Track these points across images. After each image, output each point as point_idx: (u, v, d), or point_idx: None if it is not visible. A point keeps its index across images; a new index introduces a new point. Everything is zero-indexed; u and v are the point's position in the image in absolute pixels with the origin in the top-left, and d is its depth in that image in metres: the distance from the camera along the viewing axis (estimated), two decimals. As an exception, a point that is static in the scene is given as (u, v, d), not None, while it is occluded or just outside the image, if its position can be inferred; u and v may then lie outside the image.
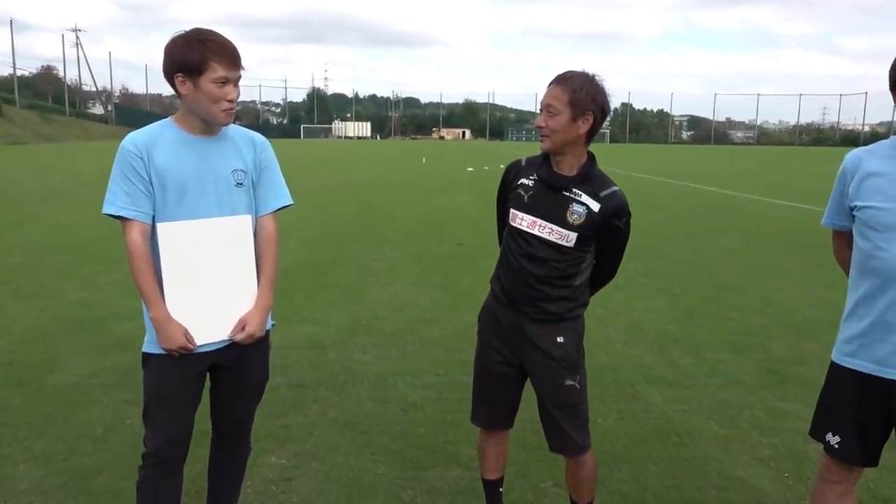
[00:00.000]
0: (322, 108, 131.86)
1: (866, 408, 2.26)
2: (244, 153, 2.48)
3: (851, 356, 2.28)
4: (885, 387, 2.20)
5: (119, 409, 4.04)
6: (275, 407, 4.13)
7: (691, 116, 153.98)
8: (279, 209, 2.58)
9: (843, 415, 2.31)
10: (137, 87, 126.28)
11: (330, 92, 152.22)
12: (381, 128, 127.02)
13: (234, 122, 2.51)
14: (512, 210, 2.63)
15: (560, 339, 2.60)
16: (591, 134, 2.52)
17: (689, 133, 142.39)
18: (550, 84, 2.49)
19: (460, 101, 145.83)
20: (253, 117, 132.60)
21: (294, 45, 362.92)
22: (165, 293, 2.35)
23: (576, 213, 2.50)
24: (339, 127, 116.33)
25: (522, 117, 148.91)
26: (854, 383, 2.27)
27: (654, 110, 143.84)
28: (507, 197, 2.68)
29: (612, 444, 3.75)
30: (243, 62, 2.35)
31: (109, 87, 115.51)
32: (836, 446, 2.32)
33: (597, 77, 2.50)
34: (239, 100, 2.41)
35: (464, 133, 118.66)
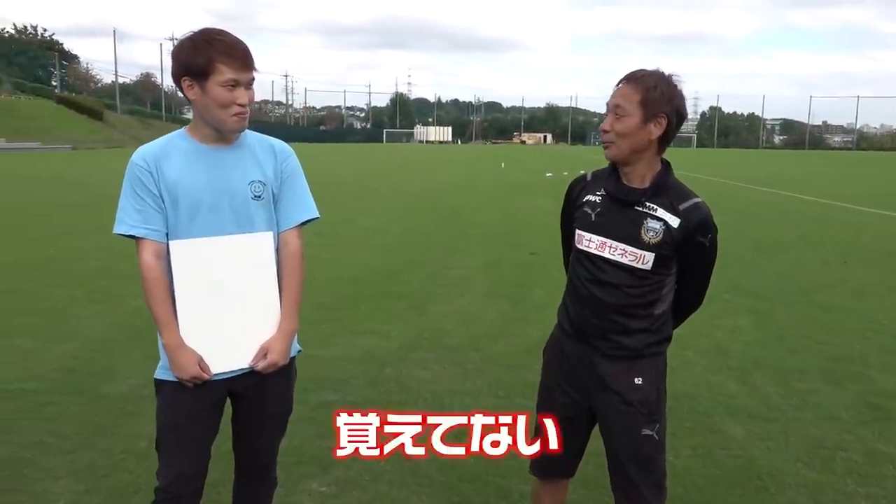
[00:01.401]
0: (404, 112, 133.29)
1: None
2: (263, 163, 2.27)
3: None
4: None
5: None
6: (324, 426, 3.94)
7: (784, 120, 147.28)
8: (304, 223, 2.36)
9: None
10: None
11: (413, 97, 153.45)
12: (462, 132, 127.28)
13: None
14: (578, 231, 2.31)
15: (638, 381, 2.26)
16: (665, 140, 2.18)
17: (781, 137, 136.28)
18: (619, 83, 2.18)
19: (542, 104, 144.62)
20: (337, 122, 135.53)
21: (378, 50, 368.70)
22: (179, 317, 2.18)
23: (651, 229, 2.17)
24: (420, 131, 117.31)
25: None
26: None
27: (745, 114, 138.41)
28: (573, 216, 2.36)
29: (684, 486, 3.38)
30: (256, 64, 2.16)
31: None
32: None
33: (673, 76, 2.18)
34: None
35: (545, 137, 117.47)
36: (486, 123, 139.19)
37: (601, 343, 2.27)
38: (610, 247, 2.22)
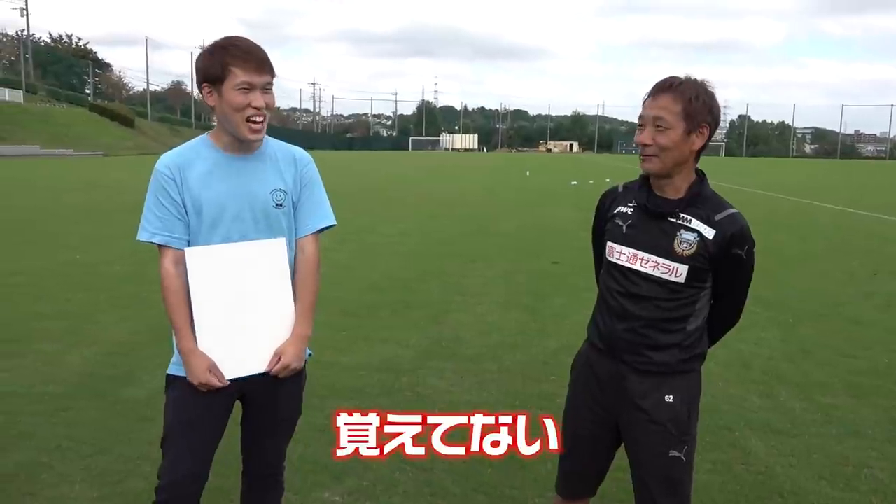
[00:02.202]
0: (430, 120, 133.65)
1: None
2: (284, 171, 2.29)
3: None
4: None
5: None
6: (338, 435, 3.95)
7: (815, 129, 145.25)
8: (321, 230, 2.38)
9: None
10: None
11: (439, 105, 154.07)
12: (487, 140, 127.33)
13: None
14: (609, 243, 2.24)
15: (669, 399, 2.18)
16: (703, 150, 2.14)
17: (812, 146, 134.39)
18: (656, 92, 2.10)
19: (568, 112, 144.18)
20: (364, 129, 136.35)
21: (405, 58, 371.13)
22: (196, 323, 2.20)
23: (685, 241, 2.10)
24: (446, 139, 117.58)
25: (633, 129, 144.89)
26: None
27: (775, 122, 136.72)
28: (604, 228, 2.30)
29: (703, 502, 3.31)
30: (274, 68, 2.17)
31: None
32: None
33: (707, 83, 2.12)
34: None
35: (571, 146, 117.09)
36: (511, 131, 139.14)
37: (631, 358, 2.20)
38: (642, 259, 2.15)
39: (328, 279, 8.50)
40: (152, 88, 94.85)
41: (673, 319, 2.16)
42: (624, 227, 2.21)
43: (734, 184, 29.16)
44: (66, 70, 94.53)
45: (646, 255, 2.15)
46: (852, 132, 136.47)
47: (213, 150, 2.24)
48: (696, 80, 2.11)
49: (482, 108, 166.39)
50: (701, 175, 2.20)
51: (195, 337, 2.21)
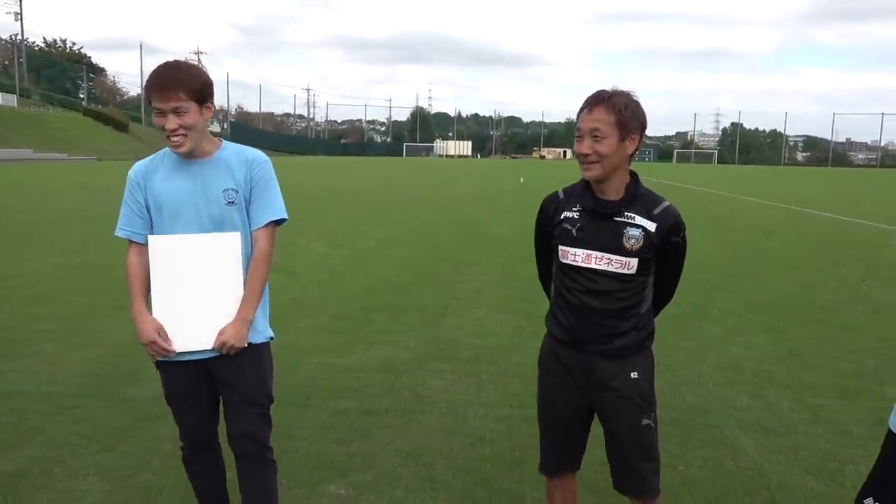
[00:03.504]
0: (424, 126, 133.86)
1: None
2: (236, 172, 2.57)
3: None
4: None
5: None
6: (341, 433, 4.06)
7: (807, 137, 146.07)
8: (271, 223, 2.61)
9: (891, 482, 2.03)
10: (251, 106, 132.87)
11: (433, 111, 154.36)
12: (481, 146, 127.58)
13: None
14: (561, 247, 2.44)
15: (634, 375, 2.44)
16: (635, 153, 2.36)
17: (804, 154, 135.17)
18: (591, 106, 2.31)
19: (562, 120, 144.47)
20: (358, 135, 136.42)
21: (399, 64, 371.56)
22: (153, 299, 2.51)
23: (633, 237, 2.33)
24: (440, 145, 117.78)
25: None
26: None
27: (767, 130, 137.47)
28: (551, 234, 2.50)
29: (694, 495, 3.43)
30: (189, 89, 2.41)
31: (226, 106, 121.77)
32: None
33: (633, 93, 2.35)
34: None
35: (565, 153, 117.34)
36: (505, 138, 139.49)
37: (597, 346, 2.42)
38: (596, 258, 2.37)
39: (323, 283, 8.65)
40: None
41: (629, 307, 2.40)
42: (574, 231, 2.41)
43: (727, 191, 29.42)
44: (59, 74, 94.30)
45: (599, 254, 2.37)
46: (844, 140, 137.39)
47: (174, 157, 2.55)
48: (624, 91, 2.33)
49: (476, 115, 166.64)
50: (635, 175, 2.42)
51: (150, 309, 2.51)
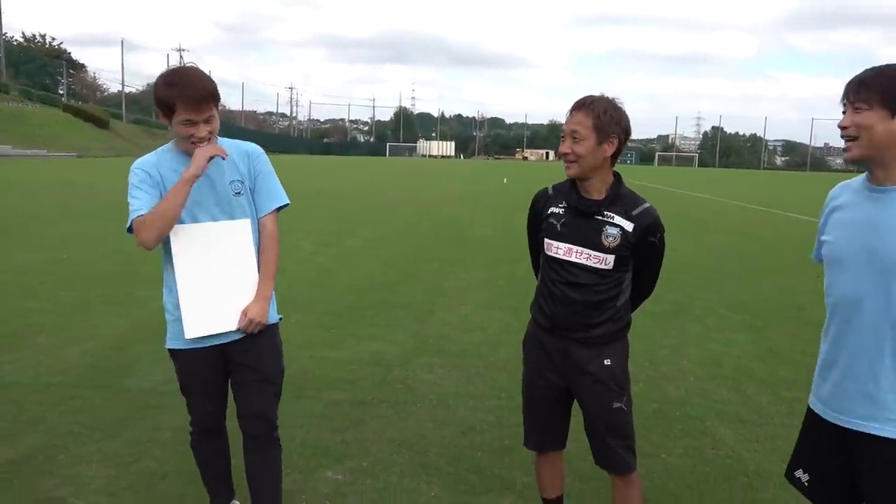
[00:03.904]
0: (408, 126, 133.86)
1: (825, 449, 2.16)
2: (239, 165, 2.73)
3: (811, 394, 2.23)
4: (837, 431, 2.08)
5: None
6: (335, 422, 4.19)
7: (786, 141, 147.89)
8: (277, 209, 2.80)
9: (809, 452, 2.23)
10: (234, 104, 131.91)
11: (416, 111, 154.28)
12: (465, 147, 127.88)
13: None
14: (546, 240, 2.63)
15: (607, 362, 2.60)
16: (616, 156, 2.53)
17: (783, 159, 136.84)
18: (573, 110, 2.51)
19: (545, 122, 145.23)
20: (341, 135, 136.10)
21: (383, 64, 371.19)
22: (178, 288, 2.62)
23: (610, 235, 2.50)
24: (423, 146, 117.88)
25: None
26: (812, 421, 2.21)
27: (747, 134, 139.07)
28: (539, 227, 2.68)
29: (674, 481, 3.60)
30: (217, 96, 2.55)
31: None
32: (807, 484, 2.22)
33: (617, 100, 2.51)
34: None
35: (547, 154, 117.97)
36: (489, 139, 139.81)
37: (575, 334, 2.60)
38: (576, 252, 2.55)
39: (312, 281, 8.75)
40: (127, 90, 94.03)
41: (605, 300, 2.57)
42: (558, 226, 2.60)
43: (709, 194, 29.80)
44: (38, 70, 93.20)
45: (579, 249, 2.54)
46: (822, 145, 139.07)
47: (178, 154, 2.67)
48: (606, 98, 2.51)
49: (459, 116, 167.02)
50: (618, 177, 2.59)
51: (179, 299, 2.64)
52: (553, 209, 2.63)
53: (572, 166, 2.51)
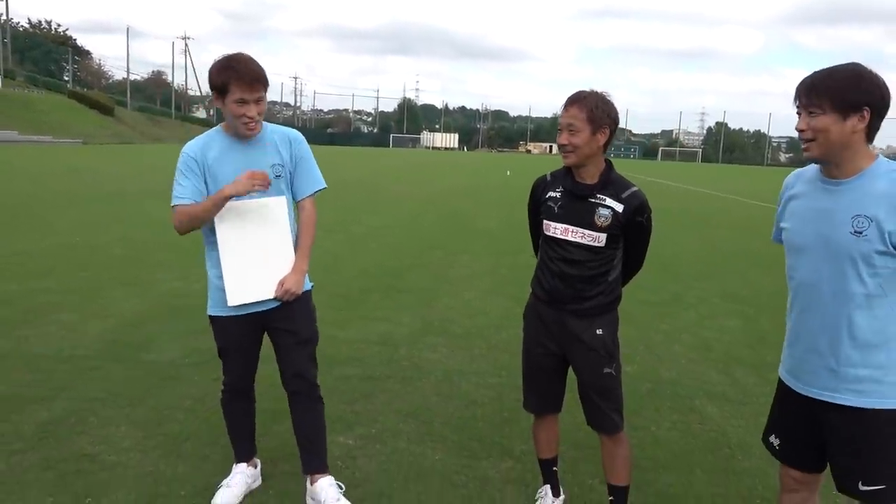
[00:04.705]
0: (411, 118, 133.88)
1: (794, 416, 2.39)
2: (281, 150, 2.99)
3: (781, 366, 2.46)
4: (804, 400, 2.31)
5: (207, 386, 4.43)
6: (346, 395, 4.45)
7: (791, 138, 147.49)
8: (315, 192, 3.08)
9: (781, 420, 2.46)
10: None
11: (420, 103, 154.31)
12: (468, 139, 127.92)
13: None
14: (545, 221, 2.89)
15: (599, 332, 2.85)
16: (608, 144, 2.79)
17: (787, 155, 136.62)
18: (568, 105, 2.75)
19: (548, 115, 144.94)
20: (345, 125, 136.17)
21: (387, 55, 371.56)
22: (221, 260, 2.91)
23: (602, 216, 2.75)
24: (427, 137, 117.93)
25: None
26: (783, 392, 2.44)
27: (751, 130, 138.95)
28: (539, 210, 2.94)
29: (663, 450, 3.86)
30: (267, 80, 2.81)
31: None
32: (778, 448, 2.46)
33: (607, 94, 2.77)
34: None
35: (550, 147, 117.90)
36: (492, 132, 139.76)
37: (570, 306, 2.86)
38: (572, 231, 2.81)
39: (320, 265, 8.96)
40: (132, 77, 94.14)
41: (598, 275, 2.83)
42: (555, 208, 2.85)
43: (711, 189, 29.98)
44: (44, 56, 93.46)
45: (575, 229, 2.80)
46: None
47: (225, 137, 2.94)
48: (597, 92, 2.78)
49: (463, 108, 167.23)
50: (609, 164, 2.84)
51: (221, 272, 2.93)
52: (551, 193, 2.89)
53: (570, 156, 2.76)
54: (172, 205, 2.89)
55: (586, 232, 2.77)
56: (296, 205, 3.11)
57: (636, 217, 2.77)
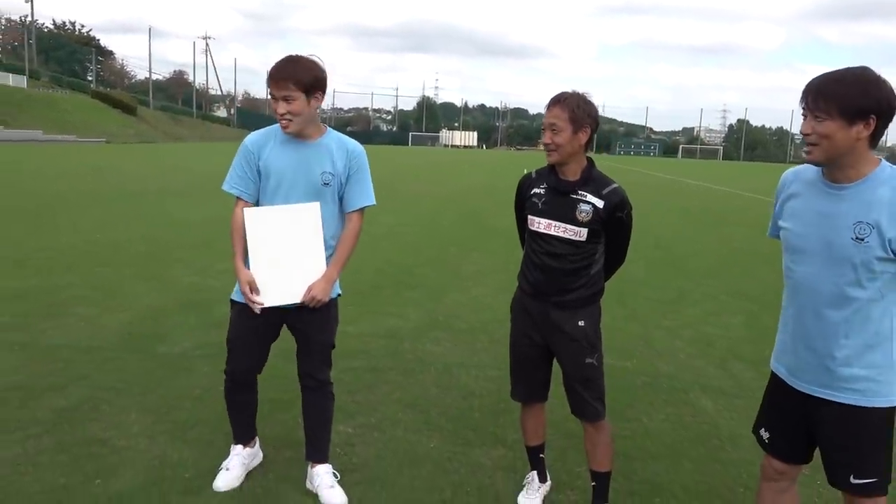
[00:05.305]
0: (430, 116, 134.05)
1: (786, 409, 2.44)
2: (336, 159, 3.06)
3: (775, 360, 2.50)
4: (799, 395, 2.36)
5: (215, 377, 4.54)
6: (349, 385, 4.61)
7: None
8: (364, 207, 3.14)
9: (772, 413, 2.51)
10: (258, 92, 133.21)
11: (439, 101, 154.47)
12: (487, 137, 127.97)
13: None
14: (530, 216, 3.02)
15: (581, 323, 2.98)
16: (589, 143, 2.91)
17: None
18: (550, 105, 2.89)
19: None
20: (364, 124, 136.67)
21: (406, 53, 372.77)
22: (250, 261, 3.00)
23: (583, 211, 2.88)
24: (446, 135, 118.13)
25: (632, 131, 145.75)
26: (776, 385, 2.48)
27: (773, 127, 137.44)
28: (524, 206, 3.08)
29: (653, 441, 3.98)
30: (297, 80, 2.88)
31: (233, 91, 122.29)
32: (767, 441, 2.53)
33: (587, 94, 2.90)
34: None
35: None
36: (511, 129, 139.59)
37: (553, 298, 2.99)
38: (555, 226, 2.94)
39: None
40: (154, 77, 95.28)
41: (580, 268, 2.95)
42: (539, 204, 2.99)
43: (731, 188, 29.80)
44: (68, 56, 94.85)
45: (557, 223, 2.93)
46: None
47: (285, 135, 3.02)
48: (578, 93, 2.91)
49: (482, 106, 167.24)
50: (590, 161, 2.95)
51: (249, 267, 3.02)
52: (535, 190, 3.02)
53: (553, 154, 2.90)
54: (225, 189, 3.08)
55: (568, 227, 2.89)
56: (344, 216, 3.16)
57: (616, 213, 2.89)
